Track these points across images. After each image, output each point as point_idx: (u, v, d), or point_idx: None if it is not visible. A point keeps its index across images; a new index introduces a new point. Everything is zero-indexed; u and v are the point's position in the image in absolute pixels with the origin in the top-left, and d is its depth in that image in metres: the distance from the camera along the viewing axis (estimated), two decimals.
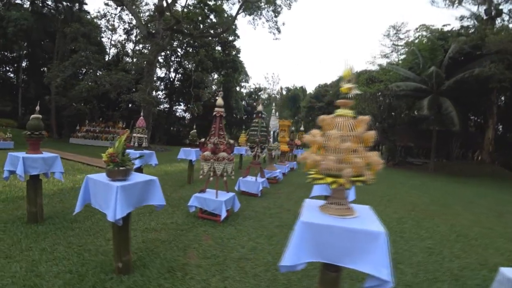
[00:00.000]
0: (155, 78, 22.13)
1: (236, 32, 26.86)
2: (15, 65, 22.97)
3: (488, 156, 17.16)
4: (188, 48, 26.10)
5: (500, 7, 17.41)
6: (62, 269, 2.39)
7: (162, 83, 28.10)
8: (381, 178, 5.93)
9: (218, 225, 3.87)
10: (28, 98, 21.63)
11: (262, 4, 20.26)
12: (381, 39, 60.56)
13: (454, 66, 15.58)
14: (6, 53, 22.10)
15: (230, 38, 26.95)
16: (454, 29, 18.88)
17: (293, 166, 11.32)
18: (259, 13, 20.87)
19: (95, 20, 23.29)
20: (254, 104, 37.88)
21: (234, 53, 27.72)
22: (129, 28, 25.53)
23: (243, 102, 35.42)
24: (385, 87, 17.48)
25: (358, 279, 2.66)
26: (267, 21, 21.40)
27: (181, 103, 29.89)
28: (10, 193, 4.64)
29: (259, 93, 41.94)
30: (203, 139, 4.04)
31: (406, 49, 22.17)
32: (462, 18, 19.02)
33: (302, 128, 14.98)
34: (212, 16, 23.81)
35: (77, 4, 21.55)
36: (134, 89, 19.05)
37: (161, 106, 27.44)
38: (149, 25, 21.56)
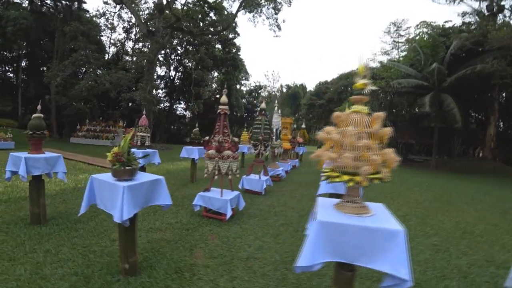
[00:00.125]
0: (155, 77, 22.04)
1: (236, 29, 26.73)
2: (15, 64, 22.85)
3: (489, 153, 17.11)
4: (188, 46, 25.97)
5: (502, 3, 17.27)
6: (68, 271, 2.34)
7: (162, 82, 28.02)
8: None
9: (224, 224, 3.83)
10: (28, 98, 21.55)
11: (262, 1, 20.13)
12: (382, 36, 60.39)
13: (456, 63, 15.49)
14: (5, 53, 21.99)
15: (230, 36, 26.81)
16: (455, 25, 18.75)
17: (295, 164, 11.27)
18: (259, 11, 20.74)
19: (94, 19, 23.16)
20: (255, 102, 37.81)
21: (234, 51, 27.60)
22: (128, 27, 25.41)
23: (243, 100, 35.33)
24: (386, 84, 17.39)
25: (367, 277, 2.63)
26: (267, 18, 21.28)
27: (181, 102, 29.83)
28: (12, 193, 4.59)
29: (260, 91, 41.82)
30: (207, 137, 3.99)
31: (407, 46, 22.03)
32: (464, 14, 18.87)
33: (303, 126, 14.92)
34: (212, 14, 23.66)
35: (76, 3, 21.42)
36: (134, 88, 18.97)
37: (162, 105, 27.37)
38: (148, 23, 21.42)
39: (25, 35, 18.44)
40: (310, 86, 49.01)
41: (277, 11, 20.97)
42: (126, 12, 24.13)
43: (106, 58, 23.72)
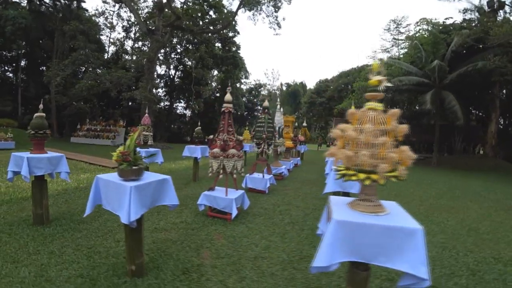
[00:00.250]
0: (155, 76, 21.95)
1: (236, 28, 26.62)
2: (14, 64, 22.73)
3: (491, 150, 17.08)
4: (187, 45, 25.86)
5: None
6: (73, 273, 2.29)
7: (162, 81, 27.92)
8: None
9: (229, 223, 3.78)
10: (28, 97, 21.46)
11: None
12: (382, 33, 60.23)
13: (457, 60, 15.42)
14: (4, 53, 21.87)
15: (230, 34, 26.70)
16: (456, 22, 18.65)
17: (297, 162, 11.24)
18: (259, 9, 20.63)
19: (93, 18, 23.03)
20: (255, 100, 37.74)
21: (234, 49, 27.49)
22: (128, 26, 25.27)
23: (244, 99, 35.25)
24: (387, 82, 17.30)
25: (376, 276, 2.61)
26: (267, 16, 21.19)
27: (182, 101, 29.74)
28: (14, 194, 4.55)
29: (260, 89, 41.73)
30: (211, 136, 3.93)
31: (407, 43, 21.93)
32: (465, 11, 18.77)
33: (304, 124, 14.86)
34: (211, 12, 23.54)
35: (75, 2, 21.28)
36: (134, 87, 18.89)
37: (162, 104, 27.29)
38: (148, 22, 21.31)
39: (24, 35, 18.32)
40: (310, 84, 49.03)
41: (277, 9, 20.88)
42: (125, 11, 24.02)
43: (106, 57, 23.61)
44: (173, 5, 19.08)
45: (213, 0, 22.75)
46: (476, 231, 4.22)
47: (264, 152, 5.83)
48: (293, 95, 46.25)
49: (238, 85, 32.43)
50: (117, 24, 25.81)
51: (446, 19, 19.07)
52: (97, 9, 24.91)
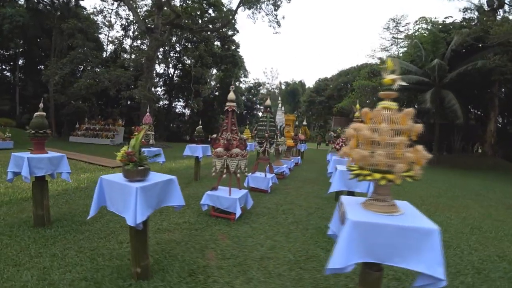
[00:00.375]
0: (154, 74, 21.83)
1: (235, 26, 26.50)
2: (12, 63, 22.52)
3: (490, 149, 17.13)
4: (186, 44, 25.72)
5: None
6: (76, 276, 2.24)
7: (161, 80, 27.77)
8: None
9: (232, 223, 3.75)
10: (26, 96, 21.28)
11: None
12: (381, 32, 60.23)
13: (456, 59, 15.43)
14: (2, 51, 21.66)
15: (230, 33, 26.58)
16: (456, 21, 18.64)
17: (297, 161, 11.21)
18: (258, 7, 20.54)
19: (91, 16, 22.85)
20: (254, 99, 37.65)
21: (233, 48, 27.37)
22: (126, 24, 25.09)
23: (243, 97, 35.15)
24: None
25: (383, 275, 2.58)
26: (266, 15, 21.11)
27: (181, 99, 29.61)
28: (13, 195, 4.48)
29: (259, 88, 41.64)
30: (214, 135, 3.89)
31: (406, 42, 21.93)
32: (465, 10, 18.77)
33: (304, 123, 14.83)
34: (210, 11, 23.42)
35: (73, 0, 21.08)
36: (133, 86, 18.78)
37: (161, 103, 27.16)
38: (147, 20, 21.16)
39: (22, 33, 18.11)
40: (310, 83, 49.04)
41: (276, 8, 20.80)
42: (123, 9, 23.85)
43: (104, 56, 23.44)
44: (172, 3, 18.96)
45: None
46: (479, 230, 4.24)
47: (267, 151, 5.79)
48: (292, 93, 46.20)
49: (237, 84, 32.33)
50: (115, 23, 25.62)
51: (446, 18, 19.09)
52: (95, 7, 24.76)
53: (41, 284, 2.12)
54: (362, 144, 1.56)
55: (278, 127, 7.24)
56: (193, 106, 23.82)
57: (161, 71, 28.06)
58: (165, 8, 18.57)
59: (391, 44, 28.39)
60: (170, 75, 28.23)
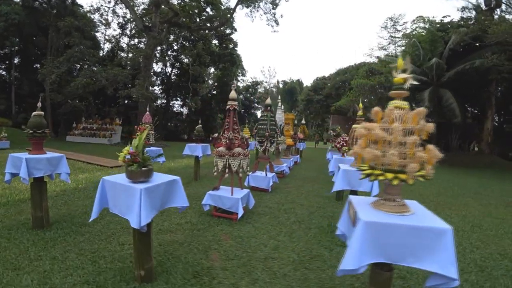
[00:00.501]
0: (151, 73, 21.67)
1: (233, 25, 26.39)
2: (7, 62, 22.21)
3: (487, 147, 17.26)
4: (184, 42, 25.56)
5: None
6: (78, 280, 2.19)
7: (158, 78, 27.59)
8: None
9: (235, 223, 3.71)
10: (22, 95, 21.03)
11: None
12: (379, 31, 60.50)
13: (454, 58, 15.50)
14: None
15: (228, 31, 26.46)
16: (454, 20, 18.72)
17: (297, 160, 11.20)
18: (256, 5, 20.45)
19: (88, 15, 22.58)
20: (252, 98, 37.59)
21: (231, 46, 27.26)
22: (123, 22, 24.84)
23: (241, 96, 35.09)
24: (385, 80, 17.34)
25: None
26: (264, 13, 21.03)
27: (178, 98, 29.45)
28: (11, 196, 4.40)
29: (256, 87, 41.57)
30: (216, 134, 3.84)
31: (404, 41, 21.99)
32: (464, 9, 18.84)
33: (303, 122, 14.81)
34: (208, 9, 23.28)
35: None
36: (130, 85, 18.62)
37: (158, 102, 26.99)
38: (144, 18, 20.97)
39: (18, 31, 17.87)
40: (307, 82, 49.02)
41: (274, 6, 20.72)
42: (121, 8, 23.59)
43: (101, 54, 23.22)
44: (170, 1, 18.81)
45: None
46: (480, 228, 4.26)
47: (267, 150, 5.75)
48: (289, 92, 46.13)
49: (235, 82, 32.21)
50: (112, 21, 25.37)
51: (444, 17, 19.14)
52: (92, 5, 24.47)
53: None
54: (373, 144, 1.53)
55: (278, 126, 7.21)
56: (191, 105, 23.72)
57: (159, 69, 27.92)
58: (163, 6, 18.41)
59: (389, 43, 28.52)
60: (168, 74, 28.06)
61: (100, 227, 3.32)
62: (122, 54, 25.27)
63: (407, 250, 1.47)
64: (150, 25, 18.41)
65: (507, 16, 16.39)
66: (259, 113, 40.08)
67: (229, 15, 21.52)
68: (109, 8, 23.25)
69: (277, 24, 21.49)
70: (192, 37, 24.26)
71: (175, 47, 26.47)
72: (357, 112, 3.92)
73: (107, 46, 25.62)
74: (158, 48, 22.96)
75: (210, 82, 28.72)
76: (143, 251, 2.11)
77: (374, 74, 19.90)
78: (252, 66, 70.57)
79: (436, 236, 1.44)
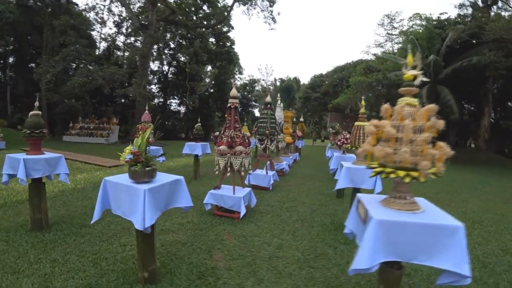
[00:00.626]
0: (148, 72, 21.50)
1: (230, 23, 26.22)
2: (2, 61, 21.90)
3: (484, 144, 17.38)
4: (181, 40, 25.36)
5: None
6: (80, 283, 2.14)
7: (155, 77, 27.38)
8: None
9: (237, 222, 3.68)
10: (17, 95, 20.75)
11: None
12: (375, 28, 60.55)
13: (452, 55, 15.56)
14: None
15: (225, 29, 26.29)
16: (451, 17, 18.77)
17: (296, 158, 11.19)
18: (253, 3, 20.32)
19: (83, 13, 22.30)
20: (249, 96, 37.49)
21: (228, 44, 27.10)
22: (119, 21, 24.57)
23: (238, 94, 35.00)
24: (383, 77, 17.37)
25: None
26: (262, 11, 20.90)
27: (176, 97, 29.27)
28: (8, 197, 4.32)
29: (254, 85, 41.46)
30: (217, 133, 3.79)
31: (401, 38, 22.02)
32: (461, 6, 18.89)
33: (302, 119, 14.78)
34: (205, 7, 23.09)
35: None
36: (127, 84, 18.44)
37: (156, 100, 26.80)
38: (140, 17, 20.75)
39: (12, 30, 17.60)
40: (305, 79, 48.99)
41: (272, 3, 20.60)
42: (116, 6, 23.33)
43: (97, 53, 22.97)
44: None
45: None
46: (480, 224, 4.27)
47: (268, 148, 5.72)
48: (287, 90, 46.02)
49: (232, 80, 32.10)
50: (108, 19, 25.04)
51: (441, 14, 19.18)
52: (87, 4, 24.09)
53: None
54: (383, 141, 1.51)
55: (278, 124, 7.17)
56: (188, 104, 23.59)
57: (156, 68, 27.69)
58: (159, 4, 18.23)
59: (386, 40, 28.56)
60: (165, 73, 27.86)
61: (101, 228, 3.27)
62: (119, 53, 25.03)
63: (419, 248, 1.45)
64: (146, 23, 18.22)
65: (503, 13, 16.49)
66: (256, 111, 40.03)
67: (226, 13, 21.36)
68: (104, 6, 23.00)
69: (275, 21, 21.40)
70: (189, 35, 24.08)
71: (172, 46, 26.26)
72: (360, 110, 3.90)
73: (103, 45, 25.36)
74: (155, 46, 22.73)
75: (208, 80, 28.57)
76: (146, 252, 2.07)
77: (372, 71, 19.91)
78: (249, 64, 70.42)
79: (448, 233, 1.43)
